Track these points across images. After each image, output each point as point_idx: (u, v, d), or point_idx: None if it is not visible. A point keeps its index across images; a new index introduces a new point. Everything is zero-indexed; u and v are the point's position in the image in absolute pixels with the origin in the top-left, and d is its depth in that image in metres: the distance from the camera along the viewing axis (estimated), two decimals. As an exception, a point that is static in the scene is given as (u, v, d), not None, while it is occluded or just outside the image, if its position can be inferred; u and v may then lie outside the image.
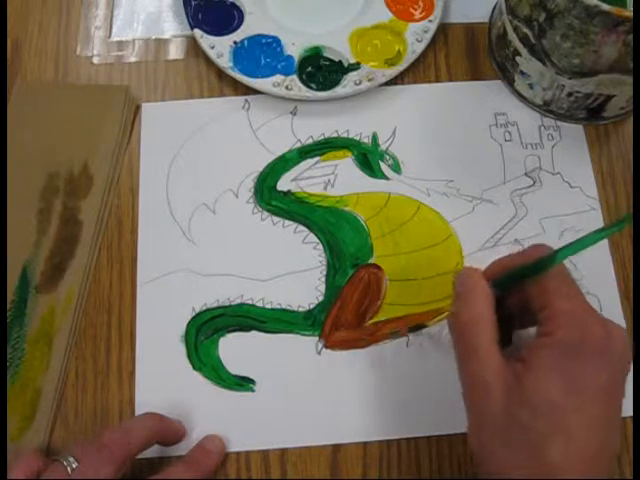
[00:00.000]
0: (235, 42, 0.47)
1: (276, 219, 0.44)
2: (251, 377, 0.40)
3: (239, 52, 0.46)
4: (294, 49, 0.47)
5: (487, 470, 0.29)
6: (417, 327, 0.40)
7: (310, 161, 0.45)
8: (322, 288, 0.42)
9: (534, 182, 0.45)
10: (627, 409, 0.39)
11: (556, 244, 0.40)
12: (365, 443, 0.39)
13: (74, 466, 0.33)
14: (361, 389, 0.40)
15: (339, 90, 0.46)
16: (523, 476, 0.28)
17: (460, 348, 0.31)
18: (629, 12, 0.35)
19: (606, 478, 0.28)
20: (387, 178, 0.45)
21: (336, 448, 0.39)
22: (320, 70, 0.47)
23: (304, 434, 0.39)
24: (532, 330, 0.32)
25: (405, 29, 0.47)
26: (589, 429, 0.28)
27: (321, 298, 0.42)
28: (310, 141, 0.46)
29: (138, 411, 0.39)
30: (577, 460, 0.27)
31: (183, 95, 0.47)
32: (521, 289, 0.31)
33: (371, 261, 0.43)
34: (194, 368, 0.40)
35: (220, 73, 0.47)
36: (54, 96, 0.47)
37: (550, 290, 0.30)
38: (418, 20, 0.47)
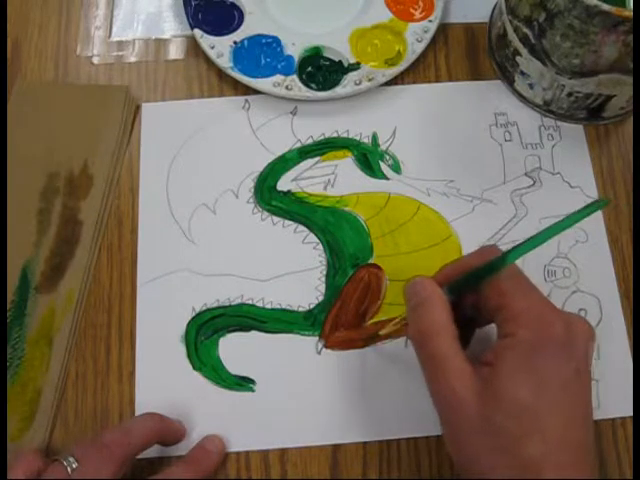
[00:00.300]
0: (235, 42, 0.47)
1: (276, 219, 0.44)
2: (251, 377, 0.40)
3: (239, 52, 0.46)
4: (294, 49, 0.47)
5: (470, 470, 0.29)
6: (372, 337, 0.40)
7: (310, 161, 0.45)
8: (322, 288, 0.42)
9: (534, 182, 0.45)
10: (627, 409, 0.39)
11: (555, 243, 0.41)
12: (365, 443, 0.39)
13: (74, 466, 0.33)
14: (361, 389, 0.40)
15: (339, 90, 0.46)
16: (506, 475, 0.28)
17: (423, 360, 0.31)
18: (629, 12, 0.35)
19: (590, 471, 0.28)
20: (387, 178, 0.45)
21: (336, 448, 0.39)
22: (320, 70, 0.47)
23: (304, 434, 0.39)
24: (494, 331, 0.31)
25: (405, 29, 0.47)
26: (561, 424, 0.28)
27: (321, 298, 0.42)
28: (310, 141, 0.46)
29: (138, 411, 0.39)
30: (557, 457, 0.28)
31: (183, 95, 0.47)
32: (475, 291, 0.31)
33: (371, 261, 0.43)
34: (194, 368, 0.40)
35: (220, 73, 0.47)
36: (54, 96, 0.47)
37: (505, 291, 0.30)
38: (418, 20, 0.47)
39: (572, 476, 0.27)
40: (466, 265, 0.32)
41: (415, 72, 0.48)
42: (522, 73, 0.45)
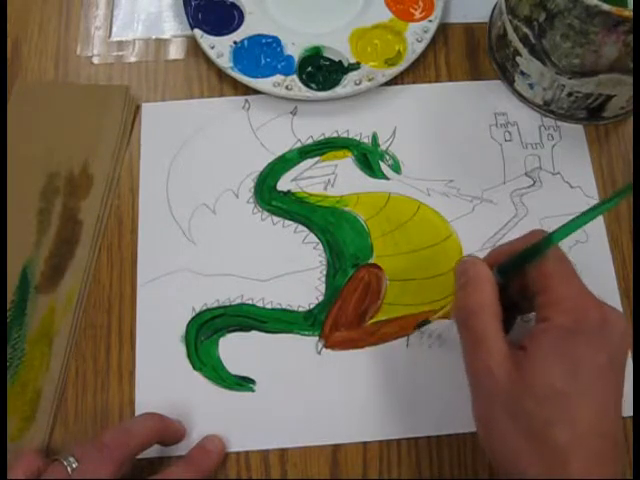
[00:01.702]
0: (235, 42, 0.47)
1: (276, 219, 0.44)
2: (251, 377, 0.40)
3: (239, 52, 0.46)
4: (294, 49, 0.47)
5: (495, 451, 0.30)
6: (423, 323, 0.40)
7: (310, 161, 0.45)
8: (322, 288, 0.42)
9: (534, 182, 0.45)
10: (627, 409, 0.39)
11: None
12: (365, 443, 0.39)
13: (74, 466, 0.33)
14: (361, 389, 0.40)
15: (339, 90, 0.46)
16: (533, 460, 0.28)
17: (466, 336, 0.31)
18: (629, 12, 0.35)
19: (615, 464, 0.28)
20: (387, 178, 0.45)
21: (336, 448, 0.39)
22: (320, 70, 0.47)
23: (304, 434, 0.39)
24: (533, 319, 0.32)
25: (405, 29, 0.47)
26: (592, 412, 0.28)
27: (321, 298, 0.42)
28: (310, 141, 0.46)
29: (138, 411, 0.39)
30: (584, 445, 0.28)
31: (183, 95, 0.47)
32: (522, 275, 0.32)
33: (371, 261, 0.43)
34: (194, 368, 0.40)
35: (220, 73, 0.47)
36: (54, 96, 0.47)
37: (548, 274, 0.30)
38: (418, 20, 0.47)
39: (598, 466, 0.27)
40: (515, 247, 0.32)
41: (415, 72, 0.48)
42: (522, 73, 0.45)
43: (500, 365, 0.29)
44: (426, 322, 0.39)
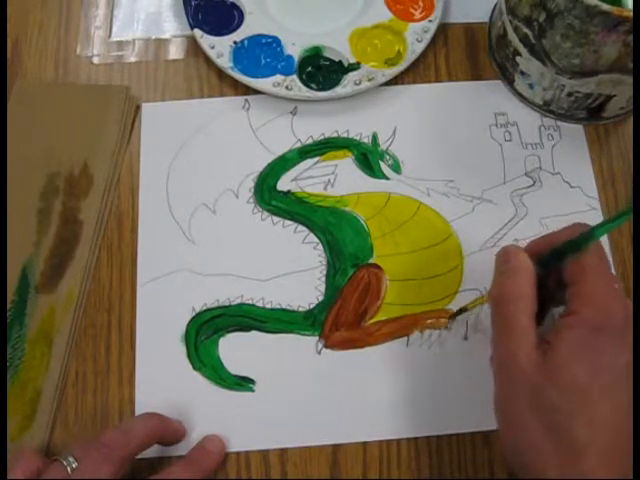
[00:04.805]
0: (235, 42, 0.47)
1: (276, 219, 0.44)
2: (251, 377, 0.40)
3: (239, 52, 0.46)
4: (294, 49, 0.47)
5: (515, 437, 0.30)
6: (459, 312, 0.40)
7: (310, 161, 0.45)
8: (322, 288, 0.42)
9: (534, 182, 0.45)
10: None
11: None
12: (365, 443, 0.39)
13: (74, 466, 0.33)
14: (361, 389, 0.40)
15: (339, 90, 0.46)
16: (548, 451, 0.28)
17: (498, 323, 0.31)
18: (629, 12, 0.35)
19: (627, 462, 0.28)
20: (387, 178, 0.45)
21: (336, 448, 0.39)
22: (320, 70, 0.47)
23: (304, 434, 0.39)
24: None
25: (405, 29, 0.47)
26: (611, 410, 0.28)
27: (321, 298, 0.42)
28: (310, 141, 0.46)
29: (138, 411, 0.39)
30: (601, 443, 0.28)
31: (183, 95, 0.47)
32: (560, 267, 0.32)
33: (371, 261, 0.43)
34: (194, 368, 0.40)
35: (220, 73, 0.47)
36: (54, 96, 0.47)
37: (585, 267, 0.31)
38: (418, 20, 0.47)
39: (609, 463, 0.28)
40: (555, 239, 0.32)
41: (415, 72, 0.48)
42: (522, 73, 0.45)
43: (528, 356, 0.29)
44: (463, 310, 0.39)
